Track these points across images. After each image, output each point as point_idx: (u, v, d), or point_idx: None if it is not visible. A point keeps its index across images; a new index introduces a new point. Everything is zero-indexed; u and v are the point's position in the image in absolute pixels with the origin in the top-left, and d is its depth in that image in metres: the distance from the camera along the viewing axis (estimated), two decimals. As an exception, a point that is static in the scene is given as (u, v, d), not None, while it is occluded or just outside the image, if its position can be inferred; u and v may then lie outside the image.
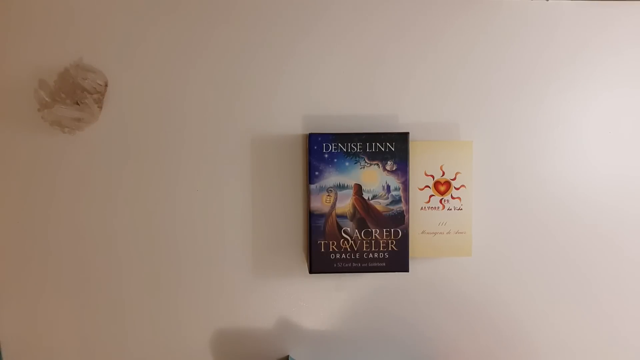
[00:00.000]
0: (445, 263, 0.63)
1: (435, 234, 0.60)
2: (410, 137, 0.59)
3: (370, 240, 0.58)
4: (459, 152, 0.59)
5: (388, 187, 0.58)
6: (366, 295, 0.63)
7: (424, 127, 0.62)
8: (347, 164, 0.58)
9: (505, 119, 0.63)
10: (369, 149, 0.58)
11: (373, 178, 0.58)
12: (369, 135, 0.58)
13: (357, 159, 0.58)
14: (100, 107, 0.60)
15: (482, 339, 0.63)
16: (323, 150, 0.58)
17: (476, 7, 0.63)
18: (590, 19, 0.63)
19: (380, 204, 0.58)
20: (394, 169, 0.58)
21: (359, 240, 0.58)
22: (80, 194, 0.61)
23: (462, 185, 0.59)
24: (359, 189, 0.58)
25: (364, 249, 0.58)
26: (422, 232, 0.60)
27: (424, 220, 0.59)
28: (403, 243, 0.58)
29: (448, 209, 0.59)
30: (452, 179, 0.59)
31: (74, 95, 0.58)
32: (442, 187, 0.59)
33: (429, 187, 0.59)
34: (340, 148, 0.58)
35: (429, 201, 0.59)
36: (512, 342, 0.63)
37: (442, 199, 0.59)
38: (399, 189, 0.58)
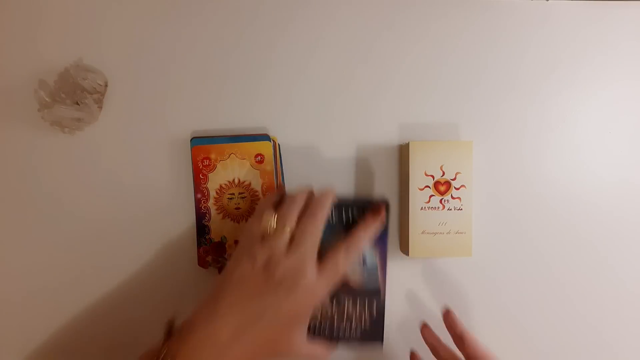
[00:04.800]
0: (445, 263, 0.63)
1: (435, 234, 0.59)
2: (410, 137, 0.59)
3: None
4: (459, 152, 0.59)
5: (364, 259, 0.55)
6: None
7: (424, 127, 0.62)
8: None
9: (505, 119, 0.63)
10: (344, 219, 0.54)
11: None
12: (345, 205, 0.54)
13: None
14: (100, 107, 0.60)
15: (482, 339, 0.63)
16: None
17: (476, 7, 0.63)
18: (590, 19, 0.63)
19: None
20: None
21: None
22: (80, 194, 0.61)
23: (462, 186, 0.59)
24: None
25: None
26: (422, 232, 0.60)
27: (424, 221, 0.59)
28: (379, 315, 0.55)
29: (448, 209, 0.59)
30: (452, 179, 0.59)
31: (74, 95, 0.58)
32: (442, 187, 0.59)
33: (429, 187, 0.59)
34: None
35: (429, 201, 0.59)
36: (512, 342, 0.63)
37: (442, 199, 0.59)
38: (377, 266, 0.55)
